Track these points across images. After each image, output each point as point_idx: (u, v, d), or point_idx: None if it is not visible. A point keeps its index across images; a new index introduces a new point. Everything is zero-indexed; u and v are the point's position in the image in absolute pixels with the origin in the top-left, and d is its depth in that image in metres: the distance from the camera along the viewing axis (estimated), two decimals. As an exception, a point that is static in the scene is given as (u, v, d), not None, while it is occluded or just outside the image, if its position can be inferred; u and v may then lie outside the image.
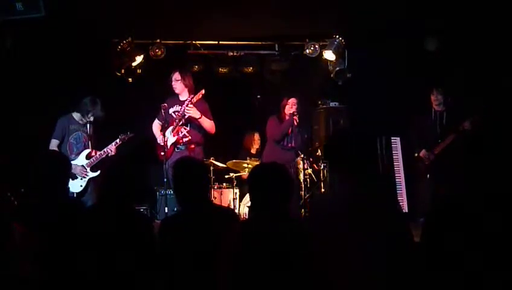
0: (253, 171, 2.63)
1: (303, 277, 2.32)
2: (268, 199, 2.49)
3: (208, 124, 5.45)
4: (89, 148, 5.31)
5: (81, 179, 5.25)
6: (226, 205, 6.38)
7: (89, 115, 5.26)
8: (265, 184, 2.51)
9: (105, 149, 5.36)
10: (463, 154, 2.40)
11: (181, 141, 5.41)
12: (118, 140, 5.41)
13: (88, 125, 5.30)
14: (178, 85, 5.50)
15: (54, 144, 5.24)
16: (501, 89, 5.68)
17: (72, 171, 4.93)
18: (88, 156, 5.30)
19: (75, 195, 5.15)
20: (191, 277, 2.66)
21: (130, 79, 6.59)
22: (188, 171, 2.90)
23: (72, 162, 5.03)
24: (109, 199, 2.86)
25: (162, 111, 5.42)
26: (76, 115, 5.34)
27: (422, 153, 5.86)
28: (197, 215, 2.80)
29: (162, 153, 5.39)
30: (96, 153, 5.33)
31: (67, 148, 5.26)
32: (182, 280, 2.68)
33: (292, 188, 2.51)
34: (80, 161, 5.27)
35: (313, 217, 2.73)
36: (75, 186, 5.22)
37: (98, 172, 5.31)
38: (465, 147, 2.43)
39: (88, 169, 5.28)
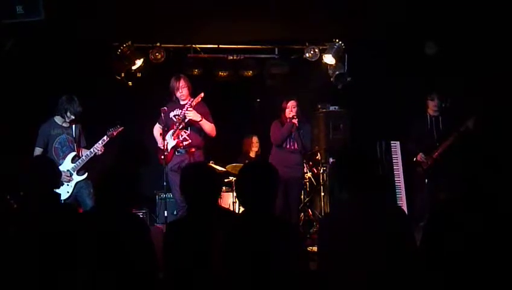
0: (239, 171, 2.69)
1: (290, 276, 2.35)
2: (252, 197, 2.51)
3: (209, 126, 5.44)
4: (74, 150, 5.21)
5: (67, 184, 5.14)
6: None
7: (68, 114, 5.14)
8: (248, 182, 2.56)
9: (92, 149, 5.23)
10: (462, 156, 2.41)
11: (181, 144, 5.40)
12: (105, 137, 5.25)
13: (74, 127, 5.22)
14: (185, 91, 5.48)
15: (37, 152, 5.14)
16: (500, 91, 5.69)
17: None
18: (74, 159, 5.20)
19: (62, 202, 4.98)
20: (197, 280, 2.65)
21: (130, 83, 6.59)
22: (198, 176, 2.88)
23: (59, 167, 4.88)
24: (107, 203, 2.86)
25: (162, 115, 5.41)
26: (57, 119, 5.24)
27: (420, 157, 5.88)
28: (204, 219, 2.79)
29: (162, 157, 5.38)
30: (82, 155, 5.22)
31: (53, 154, 5.16)
32: (189, 283, 2.67)
33: (273, 187, 2.55)
34: (66, 165, 5.17)
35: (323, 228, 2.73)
36: (62, 192, 5.08)
37: (85, 175, 5.23)
38: (465, 148, 2.44)
39: (74, 173, 5.17)
